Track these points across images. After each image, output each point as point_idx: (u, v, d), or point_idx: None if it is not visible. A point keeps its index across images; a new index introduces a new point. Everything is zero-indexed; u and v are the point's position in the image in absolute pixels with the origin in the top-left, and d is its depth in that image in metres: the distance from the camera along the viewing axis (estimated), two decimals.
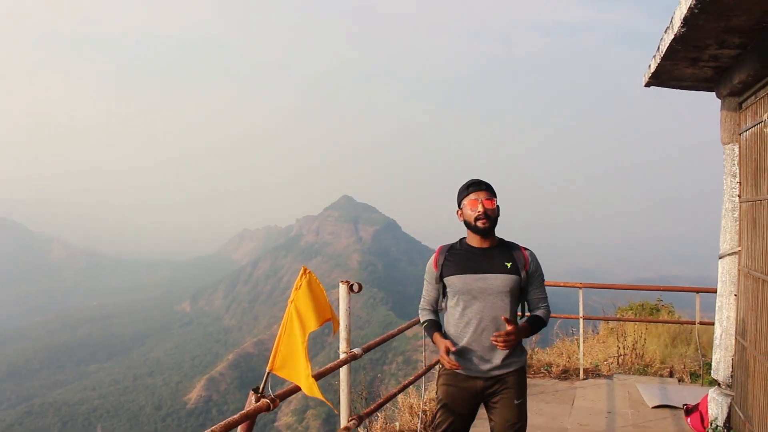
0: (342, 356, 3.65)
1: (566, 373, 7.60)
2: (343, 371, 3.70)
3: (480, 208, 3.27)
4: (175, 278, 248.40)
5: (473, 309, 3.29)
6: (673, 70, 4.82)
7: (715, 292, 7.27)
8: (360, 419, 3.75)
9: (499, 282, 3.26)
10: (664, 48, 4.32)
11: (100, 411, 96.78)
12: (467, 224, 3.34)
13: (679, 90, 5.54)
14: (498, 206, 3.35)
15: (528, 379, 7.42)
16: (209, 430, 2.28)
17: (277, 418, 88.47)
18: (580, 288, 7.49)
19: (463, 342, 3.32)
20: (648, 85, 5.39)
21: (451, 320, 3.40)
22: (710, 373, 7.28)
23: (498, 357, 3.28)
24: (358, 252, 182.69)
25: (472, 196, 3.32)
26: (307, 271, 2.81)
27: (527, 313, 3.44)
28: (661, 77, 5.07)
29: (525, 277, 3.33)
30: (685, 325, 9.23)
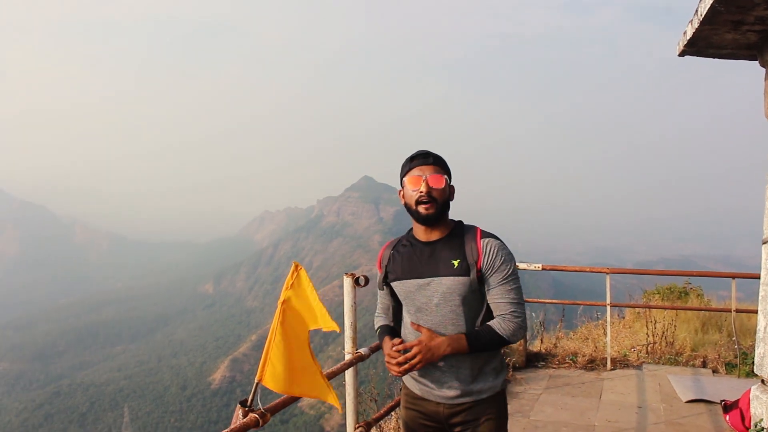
0: (347, 357, 3.30)
1: (593, 363, 7.21)
2: (348, 374, 3.35)
3: (423, 188, 2.44)
4: (197, 260, 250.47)
5: (422, 324, 2.50)
6: (712, 36, 4.37)
7: (752, 277, 6.85)
8: (368, 425, 3.40)
9: (444, 288, 2.45)
10: (704, 10, 3.89)
11: (127, 391, 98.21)
12: (408, 209, 2.53)
13: (716, 59, 5.10)
14: (450, 186, 2.53)
15: (552, 370, 7.08)
16: None
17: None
18: (607, 274, 7.08)
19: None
20: (683, 54, 4.93)
21: (403, 335, 2.66)
22: (748, 365, 6.88)
23: (461, 381, 2.49)
24: (379, 233, 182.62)
25: (414, 172, 2.48)
26: (299, 268, 2.44)
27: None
28: (697, 44, 4.62)
29: (476, 277, 2.44)
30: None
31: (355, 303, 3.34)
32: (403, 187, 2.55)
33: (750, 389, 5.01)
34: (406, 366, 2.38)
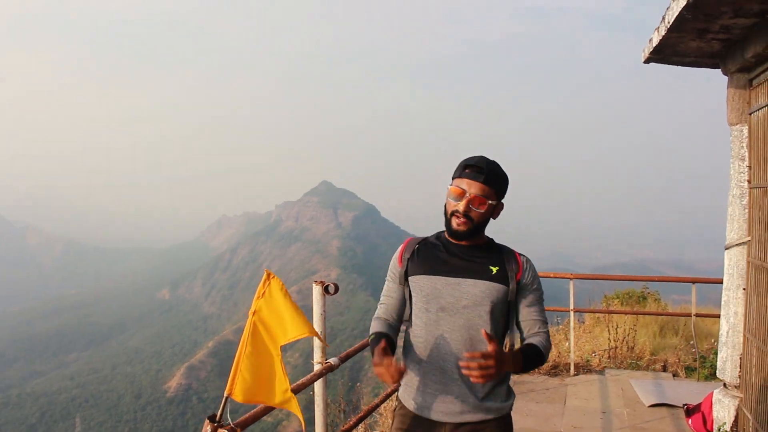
0: (316, 368, 3.21)
1: (556, 369, 7.24)
2: (318, 385, 3.26)
3: (461, 207, 2.26)
4: (153, 266, 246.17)
5: (441, 325, 2.31)
6: (678, 44, 4.42)
7: (711, 282, 6.97)
8: None
9: (477, 290, 2.28)
10: (671, 18, 3.92)
11: (79, 401, 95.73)
12: (444, 214, 2.36)
13: (679, 66, 5.17)
14: (492, 206, 2.32)
15: (516, 376, 7.06)
16: None
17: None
18: (571, 279, 7.13)
19: (420, 372, 2.37)
20: (648, 61, 5.00)
21: (412, 337, 2.42)
22: (706, 368, 6.99)
23: (473, 397, 2.31)
24: (337, 238, 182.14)
25: (462, 183, 2.27)
26: (272, 276, 2.34)
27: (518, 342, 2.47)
28: (663, 52, 4.68)
29: (515, 288, 2.33)
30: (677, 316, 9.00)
31: (324, 311, 3.26)
32: (449, 188, 2.35)
33: (712, 393, 5.08)
34: (480, 373, 2.07)
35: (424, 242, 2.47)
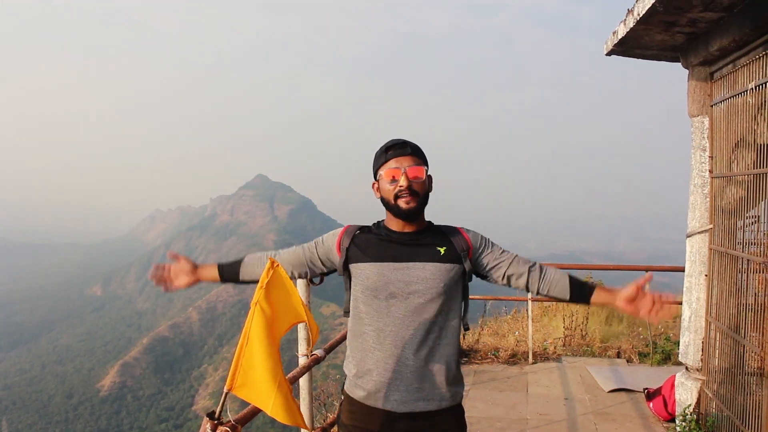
0: (302, 361, 3.13)
1: (514, 358, 7.33)
2: (303, 379, 3.18)
3: (403, 182, 2.20)
4: (84, 261, 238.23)
5: (392, 312, 2.22)
6: (643, 36, 4.50)
7: (666, 270, 7.19)
8: (324, 431, 3.26)
9: (428, 273, 2.21)
10: (642, 9, 3.98)
11: (5, 403, 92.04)
12: (386, 203, 2.28)
13: (640, 60, 5.29)
14: (429, 176, 2.30)
15: (476, 365, 7.14)
16: None
17: (194, 402, 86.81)
18: None
19: (371, 360, 2.26)
20: (610, 53, 5.08)
21: (356, 327, 2.32)
22: (658, 353, 7.21)
23: (424, 386, 2.22)
24: (273, 231, 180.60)
25: (391, 164, 2.24)
26: (276, 265, 2.26)
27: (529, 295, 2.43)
28: (627, 44, 4.76)
29: (470, 264, 2.29)
30: None
31: (309, 302, 3.19)
32: (377, 180, 2.29)
33: (672, 377, 5.23)
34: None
35: (361, 232, 2.37)
